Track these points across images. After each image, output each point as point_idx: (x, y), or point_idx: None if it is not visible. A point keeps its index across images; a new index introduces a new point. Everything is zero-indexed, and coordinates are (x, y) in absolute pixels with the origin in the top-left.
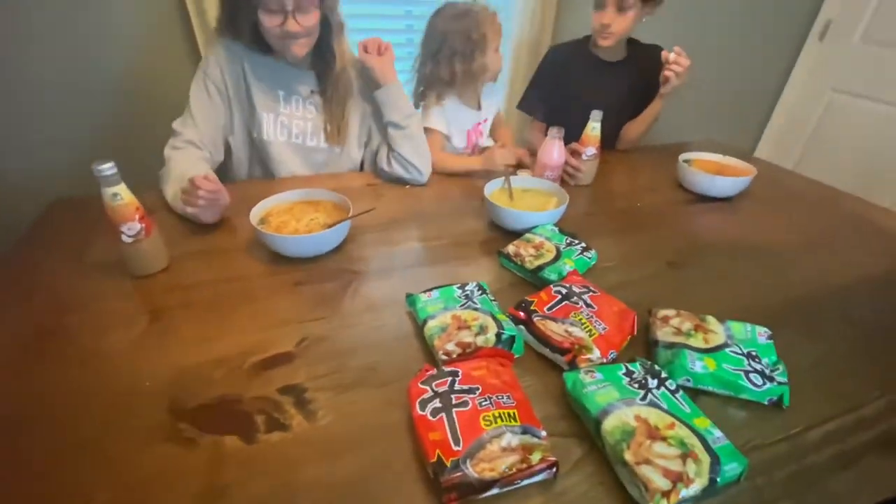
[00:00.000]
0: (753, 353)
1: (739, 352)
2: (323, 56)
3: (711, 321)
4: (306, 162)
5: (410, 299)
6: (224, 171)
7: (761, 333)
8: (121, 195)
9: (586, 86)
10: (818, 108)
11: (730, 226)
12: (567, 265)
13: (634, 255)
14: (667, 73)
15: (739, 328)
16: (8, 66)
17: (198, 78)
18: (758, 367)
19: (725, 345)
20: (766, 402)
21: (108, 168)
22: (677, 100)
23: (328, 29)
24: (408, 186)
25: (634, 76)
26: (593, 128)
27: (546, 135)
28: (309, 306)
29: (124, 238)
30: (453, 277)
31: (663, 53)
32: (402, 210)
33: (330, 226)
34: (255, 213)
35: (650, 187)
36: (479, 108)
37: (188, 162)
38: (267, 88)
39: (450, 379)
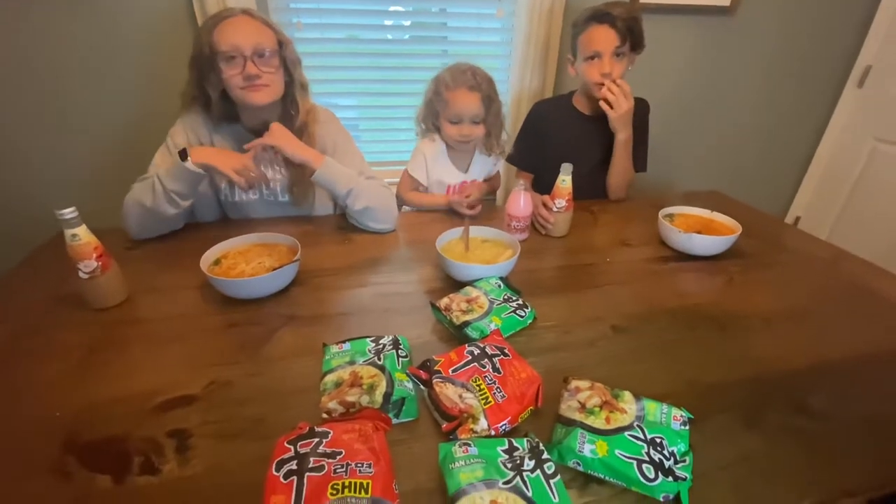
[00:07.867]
0: (658, 440)
1: (641, 437)
2: (287, 112)
3: (626, 397)
4: (282, 214)
5: (325, 349)
6: (192, 216)
7: (677, 417)
8: (79, 236)
9: (569, 140)
10: (861, 157)
11: (703, 288)
12: (493, 323)
13: (578, 315)
14: (601, 102)
15: (654, 409)
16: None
17: (164, 147)
18: (656, 456)
19: (629, 427)
20: (661, 500)
21: (69, 212)
22: (708, 149)
23: (292, 85)
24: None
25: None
26: (563, 181)
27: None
28: (231, 349)
29: (80, 274)
30: (384, 327)
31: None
32: (361, 255)
33: (273, 269)
34: (211, 254)
35: (628, 242)
36: (466, 171)
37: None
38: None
39: (316, 440)
